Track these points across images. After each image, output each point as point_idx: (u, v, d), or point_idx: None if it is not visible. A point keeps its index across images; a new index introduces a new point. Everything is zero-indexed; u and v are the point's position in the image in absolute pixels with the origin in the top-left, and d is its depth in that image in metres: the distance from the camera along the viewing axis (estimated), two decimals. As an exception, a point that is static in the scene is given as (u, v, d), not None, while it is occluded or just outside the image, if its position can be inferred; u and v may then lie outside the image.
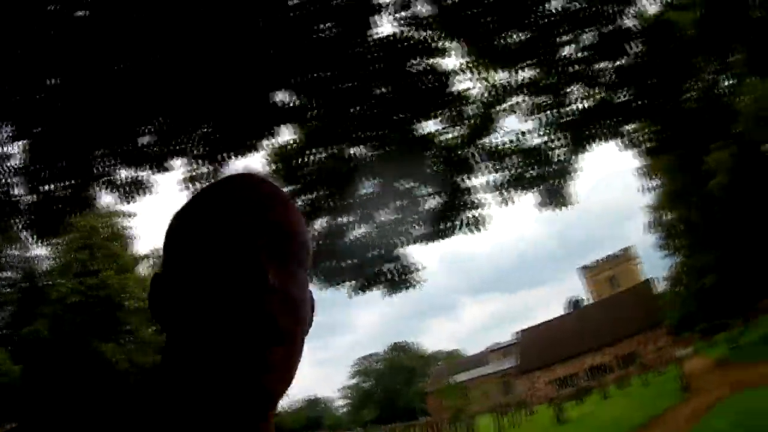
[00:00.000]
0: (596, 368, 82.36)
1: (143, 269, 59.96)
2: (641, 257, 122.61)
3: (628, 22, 11.69)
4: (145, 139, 11.13)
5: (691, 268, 50.62)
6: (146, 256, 61.31)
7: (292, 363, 1.26)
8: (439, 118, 11.02)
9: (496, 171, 11.56)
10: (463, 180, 11.48)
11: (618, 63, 11.95)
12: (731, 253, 42.05)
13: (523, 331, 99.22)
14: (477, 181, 11.65)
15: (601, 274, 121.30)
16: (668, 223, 52.22)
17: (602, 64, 11.93)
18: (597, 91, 11.86)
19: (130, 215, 54.32)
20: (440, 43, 10.36)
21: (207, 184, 1.51)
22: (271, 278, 1.21)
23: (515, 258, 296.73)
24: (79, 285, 48.88)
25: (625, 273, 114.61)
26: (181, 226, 1.38)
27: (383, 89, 10.52)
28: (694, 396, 32.45)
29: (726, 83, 14.22)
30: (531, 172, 11.63)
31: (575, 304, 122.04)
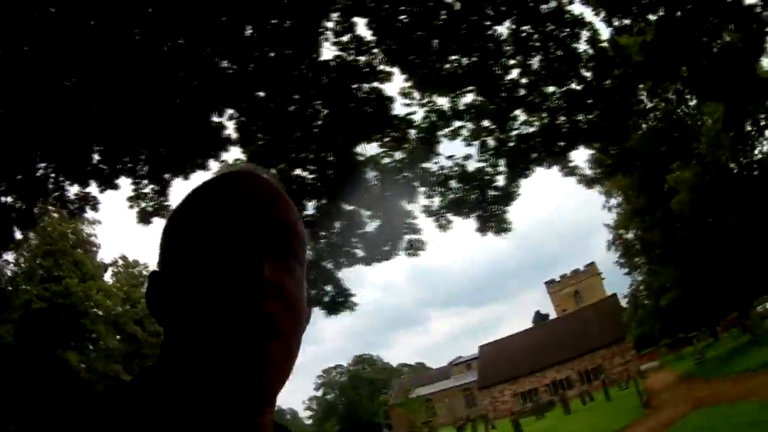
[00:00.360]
0: (560, 382, 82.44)
1: (108, 277, 59.76)
2: (606, 272, 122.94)
3: (581, 47, 11.78)
4: (95, 158, 11.16)
5: (650, 285, 50.97)
6: (111, 265, 61.14)
7: (288, 357, 1.25)
8: (382, 141, 11.06)
9: (437, 195, 11.61)
10: (403, 203, 11.54)
11: (566, 87, 12.04)
12: (693, 269, 42.35)
13: (482, 346, 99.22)
14: (417, 204, 11.70)
15: (566, 288, 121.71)
16: (628, 242, 52.52)
17: (550, 89, 12.03)
18: (543, 115, 11.94)
19: (94, 223, 53.94)
20: (382, 68, 10.42)
21: (206, 179, 1.45)
22: (268, 272, 1.20)
23: (483, 271, 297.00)
24: (44, 291, 48.61)
25: (589, 288, 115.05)
26: (178, 221, 1.36)
27: (326, 112, 10.57)
28: (655, 413, 32.44)
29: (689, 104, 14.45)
30: (471, 197, 11.65)
31: (542, 317, 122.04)
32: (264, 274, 1.19)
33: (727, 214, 41.77)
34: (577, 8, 11.47)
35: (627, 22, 11.42)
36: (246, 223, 1.26)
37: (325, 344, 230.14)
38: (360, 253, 11.68)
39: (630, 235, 52.54)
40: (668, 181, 40.10)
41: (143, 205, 12.05)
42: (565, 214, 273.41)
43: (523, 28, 11.22)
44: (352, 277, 11.91)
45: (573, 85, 12.04)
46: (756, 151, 43.55)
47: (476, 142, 11.66)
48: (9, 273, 48.14)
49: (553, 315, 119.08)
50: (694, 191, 39.44)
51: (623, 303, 68.30)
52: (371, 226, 11.61)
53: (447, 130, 11.42)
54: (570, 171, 12.01)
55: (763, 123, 42.03)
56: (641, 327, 58.17)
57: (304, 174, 11.18)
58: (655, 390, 42.29)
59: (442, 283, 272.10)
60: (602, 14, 11.30)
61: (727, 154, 38.85)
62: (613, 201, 52.52)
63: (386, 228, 11.49)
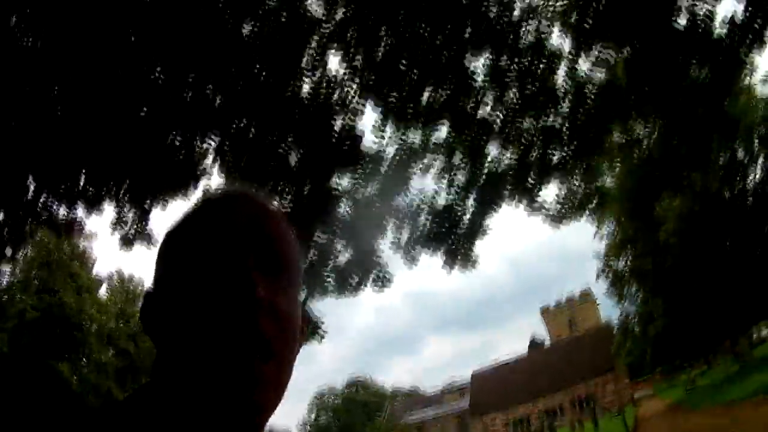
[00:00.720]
0: (552, 410, 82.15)
1: (103, 291, 59.69)
2: (601, 299, 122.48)
3: (559, 79, 11.82)
4: (81, 181, 11.31)
5: (640, 314, 50.74)
6: (106, 279, 61.07)
7: (281, 376, 1.28)
8: (354, 175, 11.14)
9: (406, 229, 11.67)
10: (374, 236, 11.60)
11: (542, 122, 12.08)
12: (683, 298, 42.30)
13: (475, 373, 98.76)
14: (387, 237, 11.77)
15: (561, 315, 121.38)
16: (618, 271, 52.07)
17: (526, 123, 12.06)
18: (518, 150, 11.99)
19: (91, 236, 53.81)
20: (356, 102, 10.53)
21: (202, 199, 1.50)
22: (261, 291, 1.23)
23: (479, 295, 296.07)
24: (38, 302, 48.67)
25: (584, 315, 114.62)
26: (173, 241, 1.39)
27: (301, 145, 10.69)
28: (640, 442, 32.77)
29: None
30: (439, 231, 11.70)
31: (537, 343, 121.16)
32: (257, 293, 1.23)
33: (719, 242, 41.81)
34: (556, 40, 11.50)
35: (605, 55, 11.48)
36: (240, 243, 1.30)
37: (319, 366, 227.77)
38: (331, 284, 11.76)
39: (620, 264, 52.32)
40: (657, 210, 40.18)
41: (125, 230, 12.19)
42: (562, 238, 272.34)
43: (501, 61, 11.25)
44: (347, 300, 11.97)
45: (549, 120, 12.11)
46: (749, 179, 43.64)
47: (447, 177, 11.68)
48: (4, 282, 48.22)
49: (549, 341, 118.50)
50: (683, 220, 39.50)
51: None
52: (343, 258, 11.68)
53: (419, 164, 11.42)
54: (537, 208, 12.10)
55: (756, 150, 42.21)
56: (629, 357, 58.07)
57: (281, 204, 11.27)
58: (645, 418, 42.56)
59: (438, 307, 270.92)
60: (580, 45, 11.36)
61: (717, 182, 38.95)
62: (605, 230, 52.06)
63: (356, 260, 11.60)
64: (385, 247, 11.77)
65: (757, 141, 41.55)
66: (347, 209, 11.39)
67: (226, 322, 1.20)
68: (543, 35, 11.31)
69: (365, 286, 11.65)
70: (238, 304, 1.21)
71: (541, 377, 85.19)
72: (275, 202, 11.02)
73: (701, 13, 10.98)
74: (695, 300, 41.81)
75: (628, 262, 49.39)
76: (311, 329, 11.86)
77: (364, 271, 11.51)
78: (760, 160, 43.15)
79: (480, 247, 12.01)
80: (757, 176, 43.47)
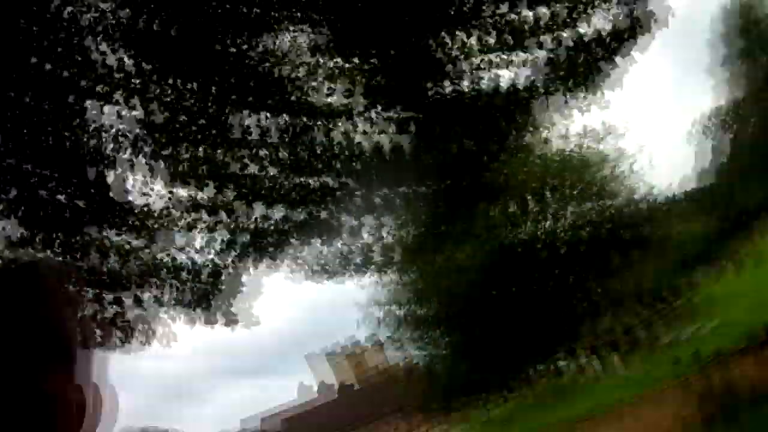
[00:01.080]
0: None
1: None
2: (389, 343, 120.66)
3: (336, 139, 11.96)
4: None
5: (428, 356, 51.30)
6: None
7: None
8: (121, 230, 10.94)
9: (168, 287, 11.54)
10: (138, 291, 11.38)
11: (316, 181, 12.27)
12: (473, 338, 43.12)
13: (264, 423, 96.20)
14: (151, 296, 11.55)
15: (348, 361, 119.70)
16: (402, 317, 52.09)
17: (296, 182, 12.19)
18: (293, 207, 12.23)
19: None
20: (126, 154, 10.36)
21: None
22: (47, 383, 1.18)
23: (268, 342, 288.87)
24: None
25: (371, 359, 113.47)
26: None
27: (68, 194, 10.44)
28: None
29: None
30: (199, 290, 11.70)
31: (325, 389, 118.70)
32: (45, 386, 1.18)
33: (508, 286, 42.89)
34: (339, 100, 11.66)
35: (386, 117, 11.84)
36: (22, 329, 1.22)
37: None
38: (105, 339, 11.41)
39: (404, 310, 52.35)
40: (437, 262, 40.74)
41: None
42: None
43: (277, 119, 11.42)
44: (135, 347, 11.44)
45: (321, 179, 12.39)
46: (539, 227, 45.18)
47: (210, 235, 11.69)
48: None
49: (337, 386, 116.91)
50: (469, 270, 40.28)
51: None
52: (110, 313, 11.34)
53: (185, 221, 11.38)
54: (300, 266, 12.22)
55: (543, 203, 43.82)
56: (421, 396, 58.51)
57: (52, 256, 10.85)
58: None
59: (230, 355, 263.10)
60: (363, 106, 11.72)
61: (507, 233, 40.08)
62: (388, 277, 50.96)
63: (122, 315, 11.33)
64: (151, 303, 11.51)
65: (530, 196, 42.92)
66: (116, 264, 11.14)
67: (16, 415, 1.15)
68: (322, 94, 11.61)
69: (131, 340, 11.26)
70: (27, 397, 1.17)
71: (329, 425, 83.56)
72: (54, 269, 10.71)
73: (468, 81, 11.47)
74: (485, 339, 42.62)
75: (411, 308, 49.65)
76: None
77: (129, 326, 11.18)
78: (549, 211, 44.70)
79: (266, 295, 12.04)
80: (547, 225, 44.97)
